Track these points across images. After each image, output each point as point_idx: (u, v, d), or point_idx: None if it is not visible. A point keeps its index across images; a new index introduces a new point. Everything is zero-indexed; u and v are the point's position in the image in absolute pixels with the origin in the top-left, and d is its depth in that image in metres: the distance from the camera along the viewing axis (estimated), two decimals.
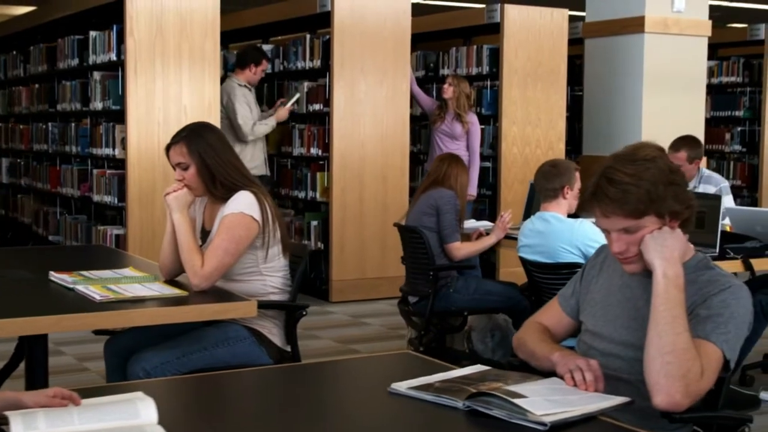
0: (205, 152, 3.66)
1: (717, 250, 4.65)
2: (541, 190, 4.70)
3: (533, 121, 8.43)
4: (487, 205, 8.54)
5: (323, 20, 7.75)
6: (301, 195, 8.15)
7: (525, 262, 4.74)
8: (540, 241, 4.64)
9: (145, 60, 6.83)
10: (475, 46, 8.69)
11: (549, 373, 2.47)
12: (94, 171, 7.59)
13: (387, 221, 7.29)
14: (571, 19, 8.88)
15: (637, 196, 2.36)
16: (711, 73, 10.63)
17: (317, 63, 7.90)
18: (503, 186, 8.26)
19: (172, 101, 6.92)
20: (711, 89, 10.78)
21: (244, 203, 3.64)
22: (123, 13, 6.77)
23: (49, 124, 8.66)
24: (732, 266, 4.68)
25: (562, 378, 2.40)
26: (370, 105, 7.72)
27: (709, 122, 10.63)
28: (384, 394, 2.34)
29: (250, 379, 2.76)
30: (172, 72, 6.90)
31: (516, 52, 8.28)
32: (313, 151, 7.94)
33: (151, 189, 6.84)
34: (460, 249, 5.28)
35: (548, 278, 4.56)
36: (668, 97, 8.88)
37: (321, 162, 7.93)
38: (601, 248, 2.69)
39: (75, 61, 7.87)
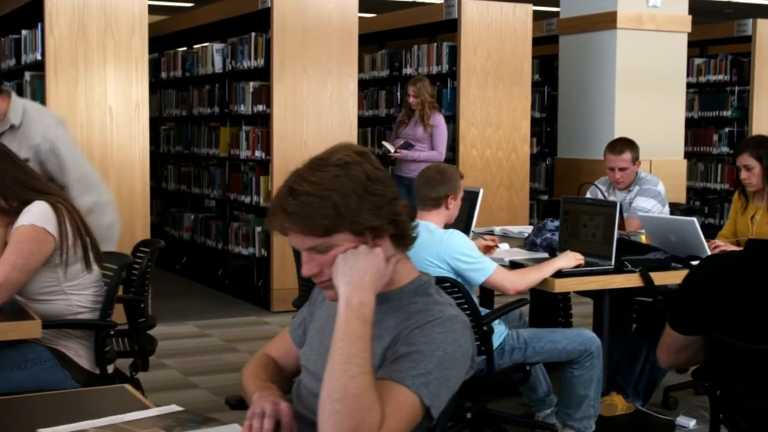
0: None
1: (612, 262, 4.21)
2: (422, 198, 4.26)
3: (494, 122, 8.00)
4: None
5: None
6: (247, 200, 7.80)
7: None
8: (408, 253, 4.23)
9: (67, 60, 6.54)
10: (435, 44, 8.30)
11: None
12: None
13: None
14: (548, 15, 8.45)
15: (321, 210, 1.93)
16: (699, 71, 10.09)
17: (261, 62, 7.55)
18: None
19: (96, 102, 6.62)
20: (699, 88, 10.25)
21: (36, 214, 3.32)
22: (43, 11, 6.51)
23: None
24: (628, 281, 4.25)
25: None
26: (313, 105, 7.35)
27: (696, 123, 10.11)
28: None
29: (38, 405, 2.48)
30: (95, 72, 6.60)
31: (475, 50, 7.86)
32: (258, 153, 7.59)
33: None
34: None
35: None
36: (644, 97, 8.41)
37: (270, 166, 7.57)
38: None
39: (12, 62, 7.62)
